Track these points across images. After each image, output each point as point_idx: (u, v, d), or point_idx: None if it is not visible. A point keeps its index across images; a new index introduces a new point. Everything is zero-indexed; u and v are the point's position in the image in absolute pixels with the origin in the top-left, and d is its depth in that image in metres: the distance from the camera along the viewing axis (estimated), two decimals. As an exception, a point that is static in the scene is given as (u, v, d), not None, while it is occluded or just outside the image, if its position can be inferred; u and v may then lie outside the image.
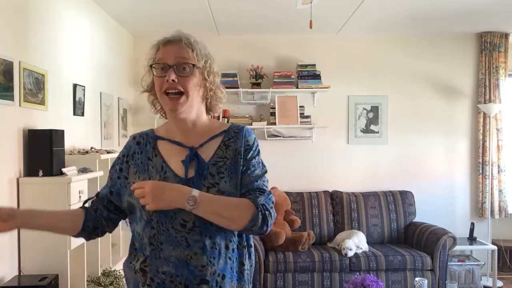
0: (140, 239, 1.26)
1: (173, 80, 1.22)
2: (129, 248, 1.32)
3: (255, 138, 1.34)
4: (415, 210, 4.49)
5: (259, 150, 1.33)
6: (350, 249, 3.81)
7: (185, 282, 1.19)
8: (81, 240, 2.51)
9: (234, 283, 1.24)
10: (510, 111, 4.87)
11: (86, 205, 1.39)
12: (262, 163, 1.33)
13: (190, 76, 1.24)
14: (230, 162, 1.26)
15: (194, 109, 1.28)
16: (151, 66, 1.28)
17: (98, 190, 1.37)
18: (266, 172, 1.33)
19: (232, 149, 1.28)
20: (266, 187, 1.29)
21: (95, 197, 1.38)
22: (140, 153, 1.32)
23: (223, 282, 1.21)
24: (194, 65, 1.24)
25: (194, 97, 1.26)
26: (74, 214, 1.36)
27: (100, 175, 2.84)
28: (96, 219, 1.34)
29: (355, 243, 3.88)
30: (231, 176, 1.25)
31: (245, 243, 1.29)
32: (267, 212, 1.23)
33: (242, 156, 1.28)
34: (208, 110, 1.36)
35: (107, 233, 1.41)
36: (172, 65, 1.23)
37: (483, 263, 4.33)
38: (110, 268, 2.99)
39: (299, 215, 4.29)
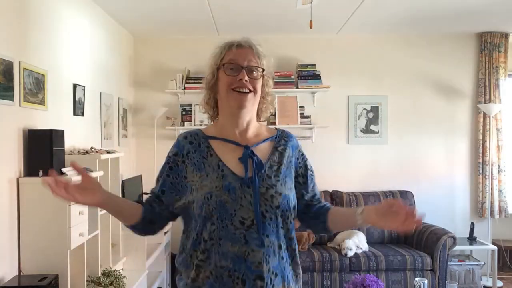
0: (198, 234, 1.28)
1: (245, 80, 1.30)
2: (183, 255, 1.33)
3: (301, 146, 1.47)
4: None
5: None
6: (350, 249, 3.81)
7: (242, 277, 1.22)
8: (81, 240, 2.51)
9: (286, 284, 1.29)
10: (510, 111, 4.88)
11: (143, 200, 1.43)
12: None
13: (259, 79, 1.35)
14: (283, 167, 1.35)
15: (253, 109, 1.38)
16: (222, 65, 1.34)
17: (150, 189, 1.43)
18: None
19: (285, 156, 1.37)
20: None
21: (150, 194, 1.39)
22: (195, 152, 1.34)
23: (275, 280, 1.25)
24: (263, 70, 1.36)
25: (257, 98, 1.36)
26: (134, 204, 1.38)
27: (100, 175, 2.84)
28: (153, 213, 1.36)
29: (355, 243, 3.88)
30: (286, 180, 1.34)
31: (294, 246, 1.34)
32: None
33: (296, 165, 1.40)
34: (257, 115, 1.42)
35: (158, 232, 1.43)
36: (244, 67, 1.32)
37: (483, 263, 4.33)
38: (110, 268, 2.99)
39: (299, 215, 4.29)
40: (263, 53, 1.37)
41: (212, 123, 1.46)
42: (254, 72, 1.33)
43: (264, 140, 1.38)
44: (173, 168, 1.34)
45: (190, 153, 1.34)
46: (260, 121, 1.44)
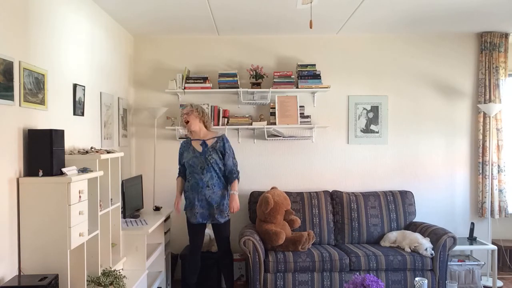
0: (186, 172, 3.72)
1: (186, 121, 3.74)
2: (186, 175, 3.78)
3: (229, 143, 3.74)
4: (415, 210, 4.49)
5: (230, 148, 3.73)
6: (426, 249, 3.86)
7: (201, 185, 3.60)
8: (81, 240, 2.52)
9: (216, 187, 3.64)
10: (510, 111, 4.88)
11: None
12: (233, 153, 3.76)
13: (191, 116, 3.71)
14: (218, 150, 3.67)
15: (197, 128, 3.70)
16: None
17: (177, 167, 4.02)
18: (234, 157, 3.76)
19: (218, 146, 3.68)
20: (234, 163, 3.73)
21: (180, 169, 3.82)
22: (186, 146, 3.74)
23: (213, 186, 3.61)
24: (197, 112, 3.74)
25: (195, 124, 3.71)
26: (181, 179, 3.81)
27: (100, 175, 2.84)
28: (183, 172, 3.80)
29: (426, 241, 3.93)
30: (218, 156, 3.65)
31: (221, 175, 3.66)
32: (237, 173, 3.73)
33: (223, 150, 3.67)
34: (206, 127, 3.76)
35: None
36: (185, 114, 3.75)
37: (483, 263, 4.33)
38: (110, 268, 2.99)
39: (299, 215, 4.29)
40: (195, 106, 3.73)
41: (190, 135, 3.82)
42: (187, 116, 3.69)
43: (212, 138, 3.69)
44: (182, 153, 3.76)
45: (185, 146, 3.76)
46: (208, 129, 3.76)
